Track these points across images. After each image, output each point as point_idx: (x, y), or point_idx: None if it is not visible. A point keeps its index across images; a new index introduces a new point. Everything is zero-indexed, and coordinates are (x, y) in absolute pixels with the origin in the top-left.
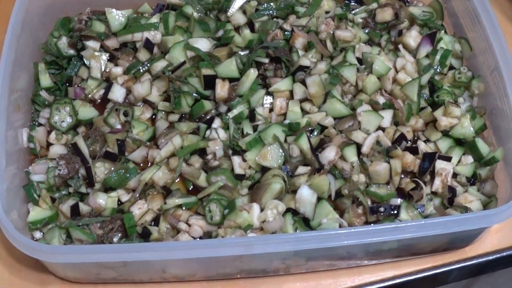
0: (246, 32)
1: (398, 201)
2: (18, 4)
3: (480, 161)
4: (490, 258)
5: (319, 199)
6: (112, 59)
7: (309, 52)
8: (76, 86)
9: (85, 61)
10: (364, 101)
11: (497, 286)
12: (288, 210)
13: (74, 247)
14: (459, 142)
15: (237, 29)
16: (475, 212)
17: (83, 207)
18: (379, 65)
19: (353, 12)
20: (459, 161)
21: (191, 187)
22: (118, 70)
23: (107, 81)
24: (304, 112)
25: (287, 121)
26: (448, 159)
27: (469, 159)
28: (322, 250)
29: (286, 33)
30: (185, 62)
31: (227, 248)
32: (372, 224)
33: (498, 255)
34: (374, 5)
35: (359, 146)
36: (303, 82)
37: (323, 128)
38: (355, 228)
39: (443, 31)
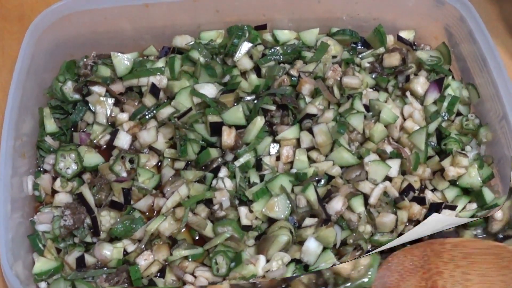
0: (253, 77)
1: None
2: (25, 47)
3: (482, 206)
4: None
5: (323, 248)
6: (118, 103)
7: (316, 99)
8: (81, 131)
9: (91, 107)
10: (372, 150)
11: None
12: (293, 260)
13: None
14: (466, 190)
15: (244, 73)
16: None
17: (89, 259)
18: (386, 114)
19: (360, 56)
20: (463, 208)
21: (197, 236)
22: (123, 116)
23: (113, 126)
24: (311, 160)
25: (294, 170)
26: (453, 208)
27: (473, 205)
28: None
29: (293, 78)
30: (191, 109)
31: None
32: None
33: None
34: (382, 49)
35: (366, 196)
36: (310, 130)
37: (330, 177)
38: None
39: (450, 77)
